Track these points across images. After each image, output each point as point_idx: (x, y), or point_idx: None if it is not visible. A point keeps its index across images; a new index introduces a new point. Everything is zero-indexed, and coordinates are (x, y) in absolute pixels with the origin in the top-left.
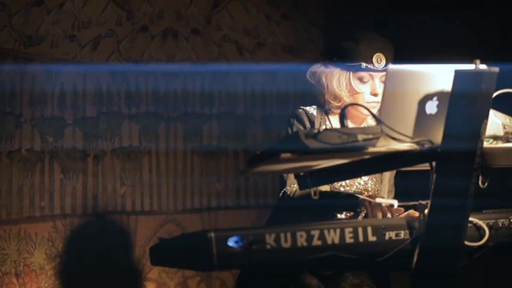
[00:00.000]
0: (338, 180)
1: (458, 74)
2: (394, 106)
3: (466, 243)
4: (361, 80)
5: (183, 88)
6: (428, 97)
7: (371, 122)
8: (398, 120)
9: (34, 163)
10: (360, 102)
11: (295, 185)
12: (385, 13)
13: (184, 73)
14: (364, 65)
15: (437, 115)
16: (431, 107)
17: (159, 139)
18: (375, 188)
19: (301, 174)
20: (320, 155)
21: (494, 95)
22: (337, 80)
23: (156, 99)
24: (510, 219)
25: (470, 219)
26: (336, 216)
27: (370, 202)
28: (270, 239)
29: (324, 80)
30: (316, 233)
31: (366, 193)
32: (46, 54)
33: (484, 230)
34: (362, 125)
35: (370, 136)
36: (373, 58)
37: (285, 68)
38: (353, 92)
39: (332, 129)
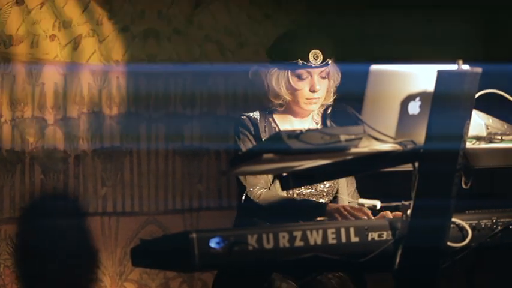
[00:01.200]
0: (320, 181)
1: (441, 74)
2: (377, 106)
3: (449, 244)
4: (299, 77)
5: (164, 88)
6: (410, 97)
7: (316, 117)
8: (380, 121)
9: (14, 164)
10: (300, 99)
11: (257, 187)
12: (368, 13)
13: (165, 73)
14: (300, 62)
15: (420, 115)
16: (413, 108)
17: (141, 139)
18: (332, 183)
19: (283, 175)
20: (302, 155)
21: (477, 95)
22: (275, 79)
23: (137, 100)
24: (493, 220)
25: (453, 219)
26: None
27: (340, 212)
28: (252, 240)
29: (264, 79)
30: (298, 233)
31: (322, 186)
32: (26, 54)
33: (466, 231)
34: (306, 120)
35: (353, 137)
36: (309, 55)
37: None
38: (292, 89)
39: (315, 130)
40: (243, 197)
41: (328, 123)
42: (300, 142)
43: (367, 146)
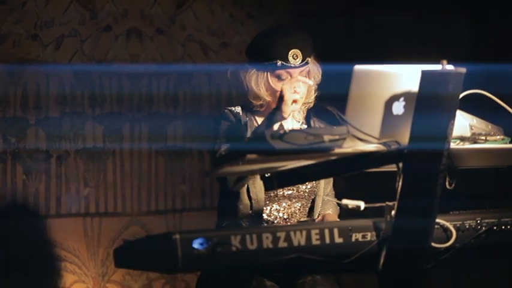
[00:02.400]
0: (304, 182)
1: (425, 74)
2: (361, 107)
3: (433, 244)
4: (279, 78)
5: (147, 88)
6: (395, 98)
7: (298, 115)
8: (364, 121)
9: None
10: (280, 100)
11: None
12: (353, 13)
13: (148, 73)
14: (279, 63)
15: (404, 116)
16: (398, 108)
17: (123, 140)
18: (313, 184)
19: (267, 175)
20: (286, 155)
21: (462, 95)
22: (255, 80)
23: (120, 100)
24: (477, 221)
25: (437, 220)
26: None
27: None
28: (235, 241)
29: (243, 80)
30: (282, 234)
31: (304, 187)
32: (8, 54)
33: (451, 232)
34: (287, 119)
35: (337, 137)
36: (289, 55)
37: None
38: (272, 90)
39: (298, 130)
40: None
41: (312, 123)
42: (283, 142)
43: (351, 146)
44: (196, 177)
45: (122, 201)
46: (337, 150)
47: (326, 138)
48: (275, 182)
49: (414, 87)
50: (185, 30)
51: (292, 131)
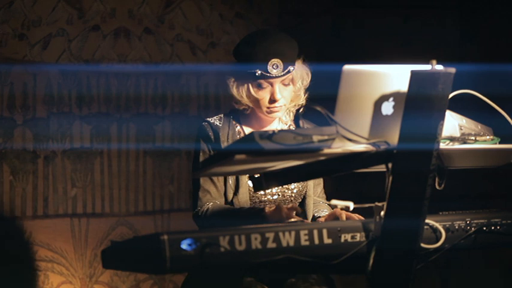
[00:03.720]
0: (293, 182)
1: (414, 74)
2: (350, 107)
3: (423, 245)
4: (259, 86)
5: (135, 88)
6: (384, 98)
7: (285, 118)
8: (354, 121)
9: None
10: (261, 107)
11: (205, 204)
12: (341, 13)
13: (136, 73)
14: (259, 72)
15: (394, 116)
16: (387, 108)
17: (111, 140)
18: (299, 188)
19: (256, 176)
20: (275, 156)
21: (451, 95)
22: (236, 87)
23: (107, 100)
24: (466, 221)
25: (427, 221)
26: None
27: (281, 208)
28: (224, 242)
29: (228, 85)
30: (271, 235)
31: (293, 186)
32: None
33: (440, 232)
34: (273, 123)
35: (326, 137)
36: (268, 65)
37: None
38: (253, 98)
39: (287, 130)
40: (193, 214)
41: (301, 124)
42: (272, 143)
43: (340, 146)
44: (185, 177)
45: (109, 202)
46: (326, 151)
47: (315, 138)
48: (264, 182)
49: (403, 87)
50: (174, 30)
51: (281, 131)
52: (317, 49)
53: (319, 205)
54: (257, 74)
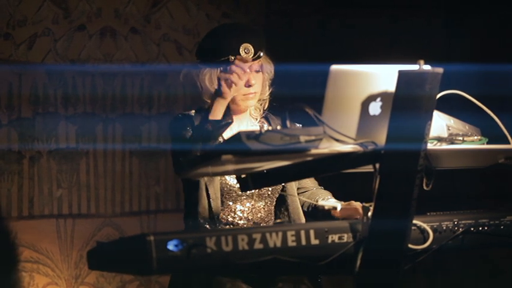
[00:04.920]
0: (280, 183)
1: (402, 74)
2: (337, 107)
3: (410, 246)
4: (232, 73)
5: (121, 88)
6: (371, 98)
7: (254, 112)
8: (341, 122)
9: None
10: (236, 96)
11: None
12: (328, 13)
13: (122, 73)
14: (231, 58)
15: (381, 116)
16: (374, 108)
17: (97, 140)
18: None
19: (243, 176)
20: (262, 156)
21: (439, 96)
22: (208, 78)
23: (93, 100)
24: (454, 222)
25: (414, 221)
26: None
27: None
28: (210, 243)
29: (196, 80)
30: (257, 236)
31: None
32: None
33: (428, 233)
34: (244, 116)
35: (313, 138)
36: (240, 49)
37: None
38: (227, 86)
39: (274, 131)
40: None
41: (272, 121)
42: (259, 143)
43: (328, 147)
44: (171, 178)
45: (95, 203)
46: (314, 151)
47: (302, 138)
48: (251, 182)
49: (391, 87)
50: (160, 30)
51: (268, 131)
52: (304, 49)
53: (318, 191)
54: (230, 60)
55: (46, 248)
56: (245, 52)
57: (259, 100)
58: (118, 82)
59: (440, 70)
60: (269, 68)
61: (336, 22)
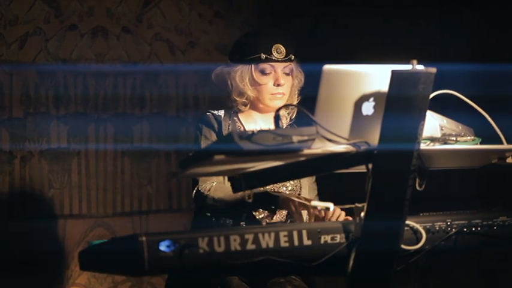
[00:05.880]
0: (273, 183)
1: (395, 74)
2: (330, 107)
3: (403, 246)
4: (262, 72)
5: (113, 88)
6: (364, 98)
7: (283, 120)
8: (334, 122)
9: None
10: (264, 94)
11: (208, 181)
12: (320, 13)
13: (114, 73)
14: (263, 56)
15: (374, 116)
16: (367, 108)
17: (89, 140)
18: (294, 183)
19: (235, 176)
20: (254, 156)
21: (432, 95)
22: (239, 75)
23: (85, 100)
24: (447, 223)
25: (407, 222)
26: (253, 215)
27: (292, 200)
28: (202, 243)
29: (227, 78)
30: (250, 237)
31: (285, 189)
32: None
33: (421, 233)
34: (271, 118)
35: (306, 138)
36: (272, 49)
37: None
38: (256, 84)
39: (267, 131)
40: (194, 192)
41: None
42: (252, 143)
43: (320, 147)
44: (163, 178)
45: (87, 203)
46: (306, 151)
47: (295, 139)
48: (243, 183)
49: (384, 87)
50: (152, 29)
51: (261, 131)
52: (297, 49)
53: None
54: (262, 58)
55: (37, 248)
56: (277, 52)
57: (287, 108)
58: (110, 82)
59: (433, 70)
60: (300, 75)
61: (329, 22)
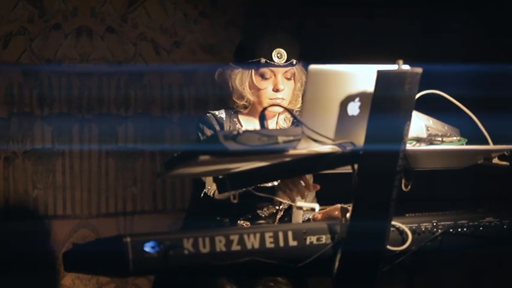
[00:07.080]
0: (258, 183)
1: (380, 74)
2: (316, 107)
3: (389, 247)
4: (262, 76)
5: (97, 88)
6: (350, 98)
7: (283, 123)
8: (319, 122)
9: None
10: (263, 99)
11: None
12: (306, 13)
13: (99, 73)
14: (263, 60)
15: (360, 116)
16: (353, 109)
17: (73, 141)
18: None
19: (220, 177)
20: (239, 157)
21: (418, 96)
22: (239, 78)
23: (69, 100)
24: (433, 223)
25: (393, 223)
26: (257, 213)
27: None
28: (187, 244)
29: (228, 80)
30: (235, 237)
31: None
32: None
33: (406, 234)
34: (271, 122)
35: (291, 138)
36: (273, 54)
37: (203, 68)
38: (255, 88)
39: (252, 131)
40: (202, 195)
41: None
42: (237, 143)
43: (306, 147)
44: (148, 179)
45: (71, 204)
46: (292, 152)
47: (280, 139)
48: (228, 184)
49: (370, 87)
50: (137, 29)
51: (246, 131)
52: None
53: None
54: (261, 62)
55: (21, 249)
56: (277, 57)
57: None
58: (94, 82)
59: (419, 70)
60: (304, 78)
61: (314, 22)
